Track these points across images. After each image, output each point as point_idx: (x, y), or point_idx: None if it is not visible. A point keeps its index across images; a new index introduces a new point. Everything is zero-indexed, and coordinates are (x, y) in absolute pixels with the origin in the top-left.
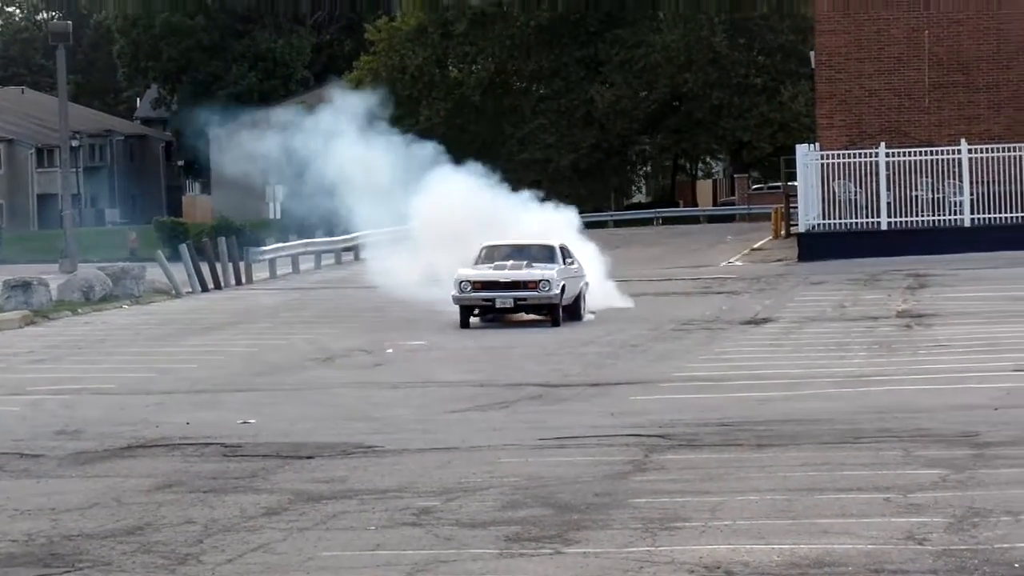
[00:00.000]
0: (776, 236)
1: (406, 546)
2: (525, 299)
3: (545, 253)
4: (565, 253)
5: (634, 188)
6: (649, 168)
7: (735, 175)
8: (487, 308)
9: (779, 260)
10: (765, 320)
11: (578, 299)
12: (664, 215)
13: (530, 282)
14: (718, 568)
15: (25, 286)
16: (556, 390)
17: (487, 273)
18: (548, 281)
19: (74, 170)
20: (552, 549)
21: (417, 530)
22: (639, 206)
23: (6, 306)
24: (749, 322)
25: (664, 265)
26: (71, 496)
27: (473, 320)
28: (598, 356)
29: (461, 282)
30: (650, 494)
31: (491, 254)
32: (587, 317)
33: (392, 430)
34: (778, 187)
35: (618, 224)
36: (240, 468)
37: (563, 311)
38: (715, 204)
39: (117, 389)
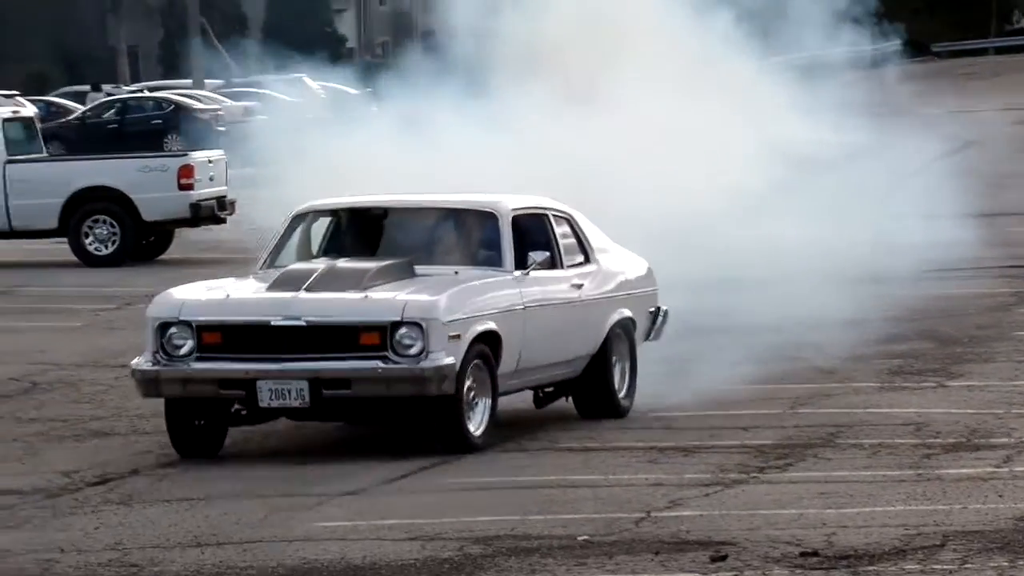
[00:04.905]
0: None
1: (788, 380)
2: (345, 381)
3: (467, 234)
4: (550, 235)
5: (1016, 12)
6: None
7: None
8: (227, 406)
9: None
10: None
11: (605, 363)
12: None
13: (365, 328)
14: None
15: None
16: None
17: (242, 302)
18: (418, 326)
19: None
20: (935, 382)
21: (798, 364)
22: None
23: None
24: None
25: None
26: None
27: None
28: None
29: (163, 326)
30: None
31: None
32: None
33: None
34: None
35: (999, 52)
36: None
37: (584, 395)
38: None
39: None
